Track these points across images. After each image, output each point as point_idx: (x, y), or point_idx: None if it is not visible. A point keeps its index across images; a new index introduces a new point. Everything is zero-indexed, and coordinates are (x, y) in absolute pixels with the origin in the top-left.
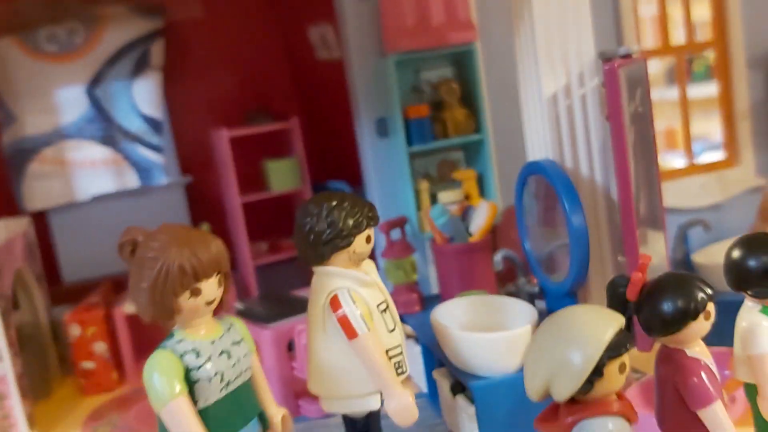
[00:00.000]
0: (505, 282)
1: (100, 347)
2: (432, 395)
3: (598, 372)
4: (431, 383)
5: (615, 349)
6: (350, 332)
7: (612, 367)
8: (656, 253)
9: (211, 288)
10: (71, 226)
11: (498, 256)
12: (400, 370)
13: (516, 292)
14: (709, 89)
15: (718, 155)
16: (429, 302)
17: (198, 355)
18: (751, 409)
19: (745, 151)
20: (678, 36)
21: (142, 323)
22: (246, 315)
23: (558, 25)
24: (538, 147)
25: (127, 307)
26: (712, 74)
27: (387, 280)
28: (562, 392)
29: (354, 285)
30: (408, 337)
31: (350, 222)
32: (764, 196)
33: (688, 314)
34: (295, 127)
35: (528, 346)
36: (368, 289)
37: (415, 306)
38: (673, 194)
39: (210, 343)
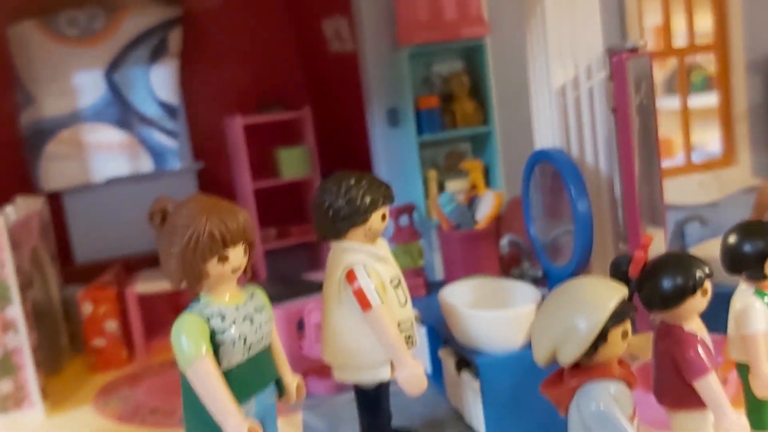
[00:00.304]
0: (510, 267)
1: (112, 325)
2: (435, 375)
3: (602, 337)
4: (435, 364)
5: (619, 316)
6: (365, 304)
7: (615, 333)
8: (655, 248)
9: (238, 255)
10: (85, 208)
11: (504, 240)
12: (410, 342)
13: (520, 276)
14: (707, 100)
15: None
16: (434, 287)
17: (223, 318)
18: (742, 388)
19: (742, 152)
20: (680, 43)
21: (152, 303)
22: None
23: (568, 21)
24: (545, 136)
25: (139, 287)
26: (710, 85)
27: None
28: (568, 356)
29: (369, 260)
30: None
31: (367, 199)
32: (759, 193)
33: (687, 290)
34: (307, 117)
35: (536, 314)
36: (382, 264)
37: (421, 290)
38: (671, 191)
39: (234, 308)
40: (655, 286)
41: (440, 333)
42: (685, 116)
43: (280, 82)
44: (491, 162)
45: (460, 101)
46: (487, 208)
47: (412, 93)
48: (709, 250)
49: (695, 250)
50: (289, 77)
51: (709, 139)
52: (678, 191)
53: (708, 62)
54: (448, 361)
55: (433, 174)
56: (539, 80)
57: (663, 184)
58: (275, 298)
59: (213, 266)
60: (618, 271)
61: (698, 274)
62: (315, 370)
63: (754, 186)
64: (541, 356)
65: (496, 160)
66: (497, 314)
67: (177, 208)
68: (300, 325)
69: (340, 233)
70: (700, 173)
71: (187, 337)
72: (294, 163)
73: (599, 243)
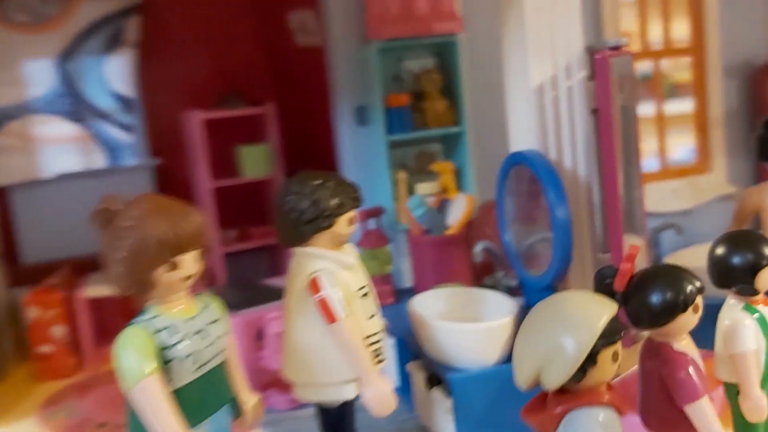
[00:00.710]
0: (483, 275)
1: (59, 331)
2: (404, 389)
3: (591, 359)
4: (403, 377)
5: (609, 335)
6: (329, 316)
7: (605, 355)
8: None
9: (190, 262)
10: (34, 205)
11: (478, 248)
12: (378, 358)
13: (493, 285)
14: (673, 107)
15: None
16: (402, 295)
17: (172, 332)
18: (730, 409)
19: (717, 158)
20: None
21: (103, 307)
22: None
23: (548, 17)
24: (522, 138)
25: (89, 291)
26: (676, 92)
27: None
28: (554, 380)
29: (335, 267)
30: None
31: (334, 202)
32: (739, 201)
33: (678, 307)
34: (271, 113)
35: (518, 332)
36: (349, 272)
37: (389, 298)
38: (645, 198)
39: (185, 321)
40: (643, 302)
41: (409, 345)
42: (660, 120)
43: (242, 76)
44: (463, 164)
45: (431, 100)
46: (458, 212)
47: (381, 90)
48: (685, 259)
49: (671, 260)
50: (253, 71)
51: (676, 146)
52: (652, 198)
53: (675, 68)
54: (418, 377)
55: (402, 176)
56: (516, 78)
57: (644, 190)
58: (234, 306)
59: (162, 274)
60: (602, 284)
61: (689, 288)
62: (275, 383)
63: (729, 193)
64: (523, 379)
65: (467, 162)
66: (471, 327)
67: (124, 209)
68: (259, 335)
69: (303, 238)
70: (675, 180)
71: (130, 353)
72: (256, 162)
73: (577, 251)
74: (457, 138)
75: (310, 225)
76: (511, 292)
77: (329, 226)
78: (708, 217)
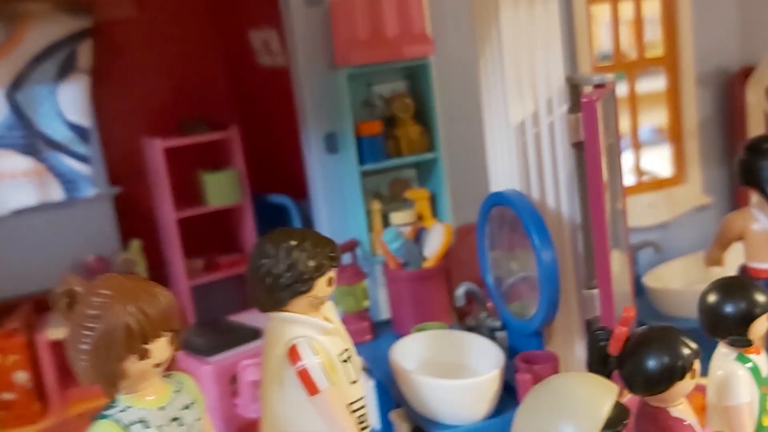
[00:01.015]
0: (464, 314)
1: (22, 377)
2: None
3: None
4: (384, 420)
5: (613, 425)
6: (311, 387)
7: None
8: (620, 280)
9: (161, 348)
10: None
11: (460, 291)
12: (363, 425)
13: (477, 326)
14: (642, 85)
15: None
16: (380, 329)
17: (146, 425)
18: None
19: (692, 169)
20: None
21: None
22: (183, 346)
23: (527, 49)
24: (502, 177)
25: (51, 333)
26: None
27: (336, 307)
28: None
29: (315, 333)
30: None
31: (311, 264)
32: (724, 222)
33: (675, 373)
34: (235, 137)
35: (515, 418)
36: (330, 337)
37: (367, 335)
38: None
39: (159, 410)
40: (639, 368)
41: (391, 391)
42: (635, 135)
43: (204, 99)
44: (438, 190)
45: (404, 125)
46: (435, 243)
47: (351, 117)
48: (664, 277)
49: (649, 278)
50: (215, 94)
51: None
52: (629, 213)
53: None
54: (402, 427)
55: (377, 205)
56: (495, 115)
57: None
58: (205, 351)
59: (132, 364)
60: (596, 347)
61: (687, 353)
62: (251, 429)
63: (705, 204)
64: None
65: (443, 188)
66: (457, 384)
67: (86, 292)
68: (233, 380)
69: (280, 303)
70: (650, 193)
71: None
72: (221, 189)
73: (561, 289)
74: (431, 164)
75: (287, 290)
76: (494, 332)
77: (308, 290)
78: (684, 229)
